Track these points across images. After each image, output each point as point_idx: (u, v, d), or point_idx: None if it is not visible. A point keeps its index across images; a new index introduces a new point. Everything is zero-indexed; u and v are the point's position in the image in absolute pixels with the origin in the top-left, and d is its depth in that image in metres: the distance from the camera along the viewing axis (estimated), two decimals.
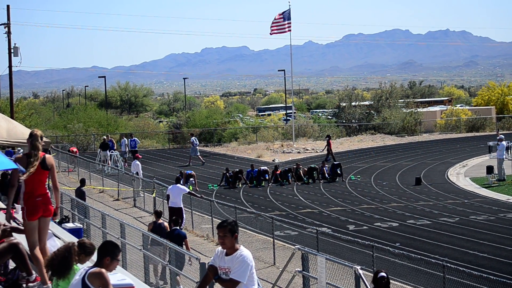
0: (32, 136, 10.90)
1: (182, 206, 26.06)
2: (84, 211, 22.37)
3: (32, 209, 10.73)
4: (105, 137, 48.96)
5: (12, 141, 19.53)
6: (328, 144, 48.71)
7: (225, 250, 8.57)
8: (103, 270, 8.19)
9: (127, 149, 48.89)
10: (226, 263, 8.53)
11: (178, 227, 19.90)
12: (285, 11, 60.02)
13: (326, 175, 40.42)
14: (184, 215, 26.17)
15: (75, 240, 10.53)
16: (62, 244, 9.82)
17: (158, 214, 20.82)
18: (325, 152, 49.13)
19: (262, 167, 40.49)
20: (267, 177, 39.61)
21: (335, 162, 41.77)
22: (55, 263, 8.92)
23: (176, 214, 26.21)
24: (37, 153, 10.79)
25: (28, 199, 10.77)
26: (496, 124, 73.59)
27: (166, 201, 29.74)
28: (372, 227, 26.74)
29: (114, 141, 49.79)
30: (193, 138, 50.52)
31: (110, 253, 8.32)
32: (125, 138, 51.85)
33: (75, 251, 8.91)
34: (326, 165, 41.22)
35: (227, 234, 8.50)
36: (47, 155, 10.92)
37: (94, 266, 8.28)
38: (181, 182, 27.42)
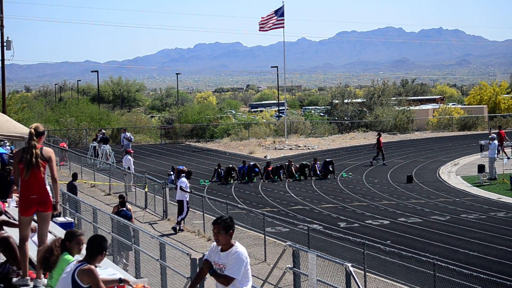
0: (29, 133, 10.75)
1: (183, 199, 26.20)
2: (75, 205, 22.33)
3: (24, 206, 10.64)
4: (104, 131, 48.72)
5: (4, 134, 19.51)
6: (378, 142, 46.42)
7: (220, 246, 8.55)
8: (93, 267, 8.08)
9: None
10: (221, 259, 8.52)
11: (124, 208, 20.99)
12: (278, 8, 60.05)
13: (318, 172, 40.46)
14: (185, 210, 26.19)
15: None
16: (53, 238, 9.84)
17: (121, 197, 21.80)
18: (377, 149, 46.46)
19: (251, 162, 40.45)
20: (257, 171, 39.66)
21: (328, 159, 41.68)
22: (41, 260, 8.98)
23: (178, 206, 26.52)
24: (31, 151, 10.60)
25: (23, 195, 10.67)
26: (488, 123, 73.76)
27: (157, 196, 29.89)
28: (363, 225, 26.77)
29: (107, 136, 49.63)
30: (128, 133, 49.64)
31: (104, 249, 8.29)
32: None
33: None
34: (318, 162, 41.18)
35: (221, 231, 8.50)
36: (45, 147, 10.81)
37: (84, 261, 8.18)
38: (185, 176, 27.44)
